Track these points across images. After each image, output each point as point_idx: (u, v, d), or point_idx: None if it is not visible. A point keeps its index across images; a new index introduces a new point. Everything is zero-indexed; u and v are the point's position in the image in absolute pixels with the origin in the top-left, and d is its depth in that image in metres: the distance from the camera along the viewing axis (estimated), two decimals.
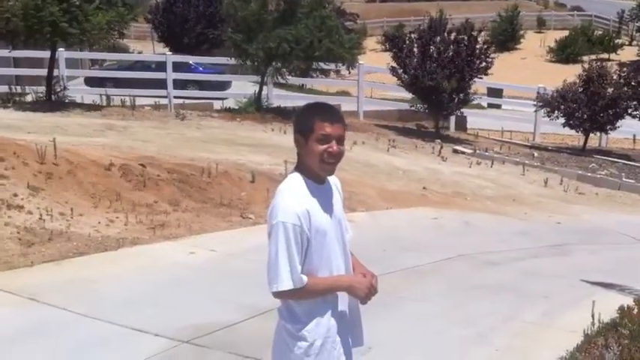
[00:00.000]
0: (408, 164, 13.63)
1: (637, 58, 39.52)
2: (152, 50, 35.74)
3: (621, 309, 6.29)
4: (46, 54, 16.69)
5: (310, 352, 2.77)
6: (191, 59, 23.34)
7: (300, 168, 2.88)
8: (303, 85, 25.98)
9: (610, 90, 17.20)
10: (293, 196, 2.78)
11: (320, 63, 18.17)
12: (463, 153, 15.71)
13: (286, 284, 2.71)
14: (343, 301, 2.91)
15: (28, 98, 16.45)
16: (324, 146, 2.78)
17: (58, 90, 16.42)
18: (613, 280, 7.38)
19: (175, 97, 18.68)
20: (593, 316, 5.86)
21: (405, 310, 5.89)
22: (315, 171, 2.85)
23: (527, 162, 15.07)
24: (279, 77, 18.17)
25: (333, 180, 3.00)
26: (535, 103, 18.44)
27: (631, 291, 6.99)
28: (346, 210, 3.03)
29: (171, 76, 18.65)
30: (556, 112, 17.62)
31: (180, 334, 4.95)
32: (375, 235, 8.41)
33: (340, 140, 2.82)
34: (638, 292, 6.90)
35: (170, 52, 22.35)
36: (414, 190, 11.57)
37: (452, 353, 5.23)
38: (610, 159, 16.73)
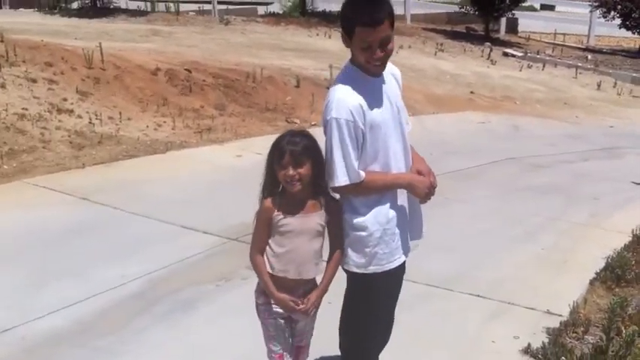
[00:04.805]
0: (456, 68, 13.34)
1: None
2: None
3: None
4: None
5: (369, 242, 2.77)
6: None
7: (354, 60, 2.76)
8: None
9: None
10: (346, 90, 2.69)
11: None
12: (513, 56, 15.28)
13: (342, 180, 2.69)
14: (402, 194, 2.86)
15: (74, 5, 16.44)
16: (367, 53, 2.66)
17: None
18: None
19: (219, 3, 18.41)
20: None
21: (452, 210, 5.89)
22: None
23: (580, 65, 14.59)
24: None
25: (391, 70, 2.86)
26: (590, 3, 17.65)
27: None
28: None
29: None
30: (612, 12, 16.87)
31: (228, 232, 5.06)
32: (422, 139, 8.25)
33: (385, 41, 2.65)
34: None
35: None
36: (461, 95, 11.37)
37: (499, 251, 5.25)
38: None
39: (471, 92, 11.57)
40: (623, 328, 4.06)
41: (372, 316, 2.94)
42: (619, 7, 16.72)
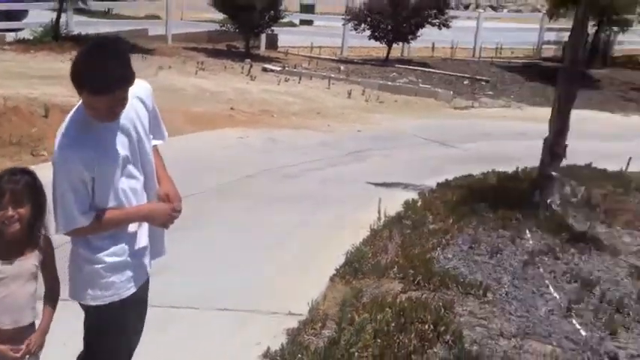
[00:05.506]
0: (217, 86, 13.50)
1: None
2: None
3: (406, 203, 6.79)
4: None
5: (104, 274, 2.70)
6: None
7: None
8: (108, 9, 24.56)
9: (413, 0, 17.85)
10: (73, 132, 2.59)
11: None
12: (272, 71, 15.79)
13: (61, 229, 2.63)
14: (142, 224, 2.81)
15: None
16: (93, 112, 2.54)
17: None
18: (402, 179, 7.89)
19: None
20: (379, 212, 6.28)
21: (203, 229, 5.90)
22: None
23: (332, 75, 15.44)
24: (79, 1, 17.09)
25: (134, 91, 2.66)
26: (344, 17, 18.78)
27: (416, 187, 7.51)
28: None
29: None
30: (363, 24, 18.06)
31: None
32: (178, 158, 8.26)
33: (118, 104, 2.55)
34: (422, 188, 7.44)
35: None
36: (221, 112, 11.52)
37: (248, 263, 5.34)
38: (410, 67, 17.53)
39: (231, 108, 11.78)
40: (356, 317, 4.35)
41: (116, 346, 2.87)
42: (369, 19, 17.93)
